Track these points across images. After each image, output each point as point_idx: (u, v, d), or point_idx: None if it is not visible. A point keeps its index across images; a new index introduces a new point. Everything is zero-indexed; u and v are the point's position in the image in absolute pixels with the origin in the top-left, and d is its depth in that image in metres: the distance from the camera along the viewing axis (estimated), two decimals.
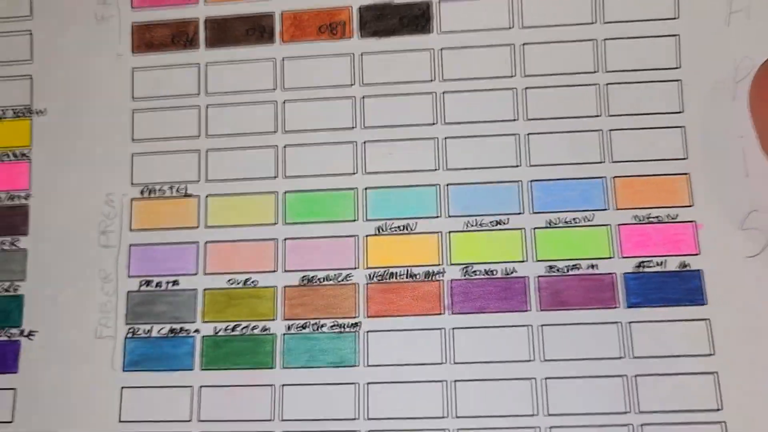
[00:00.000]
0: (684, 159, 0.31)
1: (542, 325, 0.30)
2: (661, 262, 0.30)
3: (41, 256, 0.32)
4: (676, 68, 0.31)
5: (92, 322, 0.32)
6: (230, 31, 0.33)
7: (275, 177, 0.32)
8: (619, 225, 0.30)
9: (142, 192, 0.32)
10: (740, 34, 0.31)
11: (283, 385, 0.30)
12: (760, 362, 0.29)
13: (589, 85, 0.31)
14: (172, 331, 0.31)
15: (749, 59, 0.30)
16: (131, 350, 0.31)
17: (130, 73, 0.33)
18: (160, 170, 0.33)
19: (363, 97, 0.32)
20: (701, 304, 0.29)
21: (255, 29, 0.33)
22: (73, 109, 0.33)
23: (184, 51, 0.33)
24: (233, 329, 0.31)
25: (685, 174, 0.30)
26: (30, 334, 0.32)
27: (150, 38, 0.33)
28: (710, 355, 0.29)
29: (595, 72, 0.31)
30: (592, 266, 0.30)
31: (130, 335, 0.31)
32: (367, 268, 0.31)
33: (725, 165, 0.30)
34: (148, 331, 0.31)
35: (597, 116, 0.31)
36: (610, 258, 0.30)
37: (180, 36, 0.33)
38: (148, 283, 0.32)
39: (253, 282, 0.31)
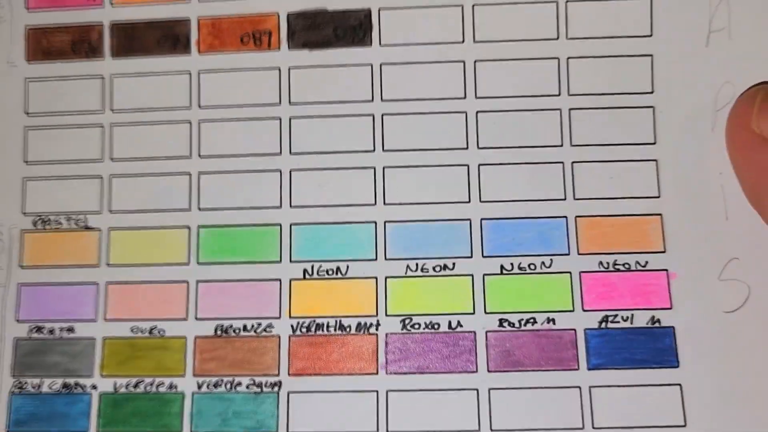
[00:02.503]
0: (656, 197, 0.27)
1: (491, 389, 0.26)
2: (628, 317, 0.26)
3: None
4: (649, 93, 0.27)
5: None
6: (139, 39, 0.28)
7: (188, 209, 0.28)
8: (581, 272, 0.26)
9: (34, 223, 0.28)
10: (721, 57, 0.27)
11: None
12: None
13: (551, 110, 0.27)
14: (65, 386, 0.27)
15: (730, 85, 0.26)
16: (17, 408, 0.27)
17: (24, 83, 0.29)
18: (56, 198, 0.28)
19: (291, 118, 0.28)
20: (673, 366, 0.26)
21: (168, 37, 0.28)
22: None
23: (87, 60, 0.29)
24: (135, 386, 0.27)
25: (658, 215, 0.27)
26: None
27: (47, 45, 0.29)
28: (681, 426, 0.25)
29: (557, 95, 0.27)
30: (550, 320, 0.26)
31: (16, 390, 0.27)
32: (291, 317, 0.27)
33: (703, 205, 0.26)
34: (38, 385, 0.27)
35: (559, 146, 0.27)
36: (570, 311, 0.26)
37: (82, 43, 0.29)
38: (39, 329, 0.27)
39: (159, 331, 0.27)
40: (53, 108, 0.28)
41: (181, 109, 0.28)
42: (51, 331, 0.27)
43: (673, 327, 0.26)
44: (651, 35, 0.27)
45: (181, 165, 0.28)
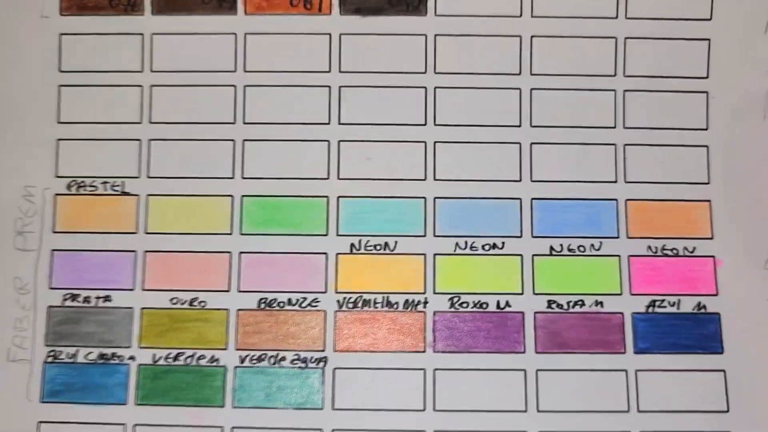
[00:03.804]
0: (706, 183, 0.27)
1: (538, 370, 0.26)
2: (675, 302, 0.26)
3: None
4: (704, 78, 0.27)
5: (4, 341, 0.26)
6: None
7: (231, 177, 0.27)
8: (630, 256, 0.26)
9: (68, 186, 0.27)
10: None
11: (234, 427, 0.26)
12: None
13: (606, 90, 0.27)
14: (102, 356, 0.26)
15: None
16: (51, 378, 0.26)
17: (58, 38, 0.27)
18: (91, 161, 0.27)
19: (340, 87, 0.27)
20: (717, 352, 0.26)
21: None
22: None
23: (125, 16, 0.27)
24: (175, 358, 0.26)
25: (707, 201, 0.27)
26: None
27: None
28: (724, 411, 0.26)
29: (613, 75, 0.27)
30: (598, 303, 0.26)
31: (50, 359, 0.26)
32: (338, 292, 0.26)
33: (751, 193, 0.26)
34: (73, 355, 0.26)
35: (612, 128, 0.27)
36: (618, 294, 0.26)
37: None
38: (74, 297, 0.26)
39: (201, 302, 0.26)
40: (89, 65, 0.27)
41: (225, 73, 0.27)
42: (87, 300, 0.26)
43: (718, 313, 0.26)
44: (710, 19, 0.27)
45: (224, 131, 0.27)
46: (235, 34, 0.27)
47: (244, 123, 0.27)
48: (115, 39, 0.27)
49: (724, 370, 0.26)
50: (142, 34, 0.27)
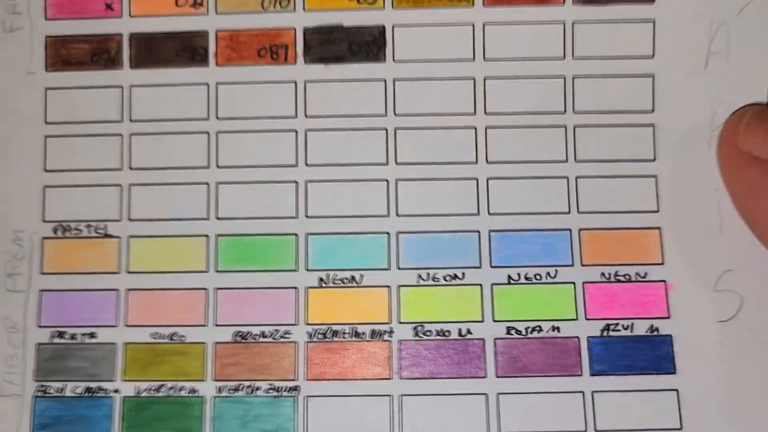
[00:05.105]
0: (655, 212, 0.28)
1: (499, 393, 0.27)
2: (629, 326, 0.28)
3: None
4: (650, 111, 0.28)
5: None
6: (158, 50, 0.29)
7: (206, 218, 0.29)
8: (584, 283, 0.28)
9: (55, 230, 0.29)
10: (718, 77, 0.28)
11: None
12: None
13: (557, 126, 0.28)
14: (88, 390, 0.28)
15: (727, 104, 0.28)
16: (41, 411, 0.28)
17: (43, 92, 0.29)
18: (76, 206, 0.29)
19: (306, 131, 0.29)
20: (670, 372, 0.27)
21: (186, 49, 0.29)
22: None
23: (106, 71, 0.29)
24: (158, 390, 0.28)
25: (657, 228, 0.28)
26: None
27: (66, 54, 0.29)
28: (677, 429, 0.27)
29: (563, 112, 0.29)
30: (555, 329, 0.28)
31: (39, 394, 0.28)
32: (308, 324, 0.28)
33: (699, 220, 0.28)
34: (61, 389, 0.28)
35: (564, 161, 0.28)
36: (574, 320, 0.28)
37: (101, 53, 0.29)
38: (61, 334, 0.28)
39: (180, 337, 0.28)
40: (72, 117, 0.29)
41: (199, 120, 0.29)
42: (73, 337, 0.28)
43: (670, 335, 0.27)
44: (653, 56, 0.28)
45: (199, 175, 0.29)
46: (207, 84, 0.29)
47: (217, 167, 0.29)
48: (96, 92, 0.29)
49: (677, 390, 0.27)
50: (121, 86, 0.29)
